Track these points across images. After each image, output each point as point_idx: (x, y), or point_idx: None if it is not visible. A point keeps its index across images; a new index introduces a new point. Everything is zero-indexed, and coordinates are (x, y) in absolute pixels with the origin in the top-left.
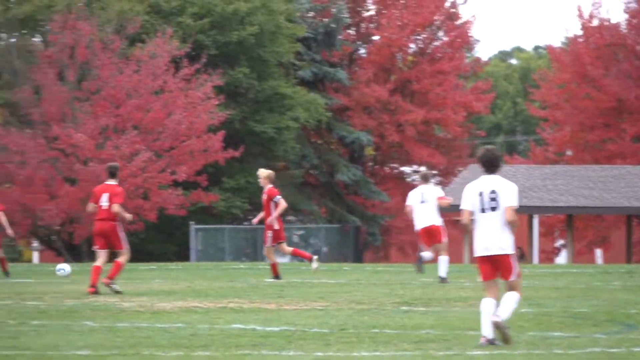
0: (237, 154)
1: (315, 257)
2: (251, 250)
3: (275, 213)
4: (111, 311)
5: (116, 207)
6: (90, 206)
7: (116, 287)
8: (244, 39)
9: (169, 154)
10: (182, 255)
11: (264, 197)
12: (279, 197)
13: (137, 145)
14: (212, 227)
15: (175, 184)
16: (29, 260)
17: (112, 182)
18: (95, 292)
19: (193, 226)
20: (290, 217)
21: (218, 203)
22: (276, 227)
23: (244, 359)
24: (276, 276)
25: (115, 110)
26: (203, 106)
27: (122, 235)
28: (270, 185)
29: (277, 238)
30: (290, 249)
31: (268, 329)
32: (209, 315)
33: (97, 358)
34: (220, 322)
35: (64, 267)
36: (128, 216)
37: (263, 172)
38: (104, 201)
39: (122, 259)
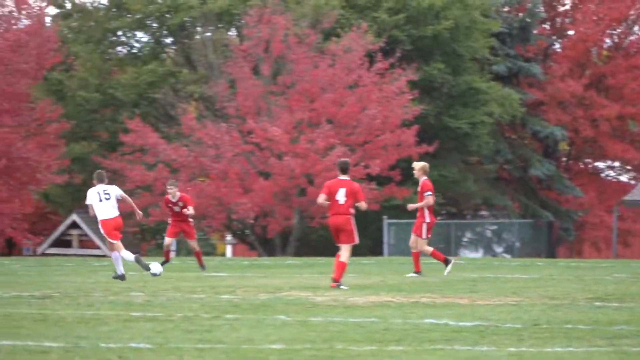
0: (430, 149)
1: (451, 260)
2: (444, 245)
3: (419, 205)
4: (304, 305)
5: (364, 205)
6: (322, 197)
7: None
8: (439, 33)
9: (362, 149)
10: (375, 249)
11: (419, 189)
12: (429, 193)
13: (331, 140)
14: (405, 222)
15: (369, 178)
16: (223, 254)
17: (345, 177)
18: (337, 287)
19: (386, 220)
20: (483, 212)
21: (412, 197)
22: (427, 220)
23: (437, 353)
24: (418, 272)
25: (310, 105)
26: (397, 101)
27: (355, 229)
28: (425, 178)
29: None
30: (429, 248)
31: (461, 324)
32: (402, 310)
33: (290, 352)
34: (413, 316)
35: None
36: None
37: (417, 164)
38: (341, 196)
39: (345, 256)
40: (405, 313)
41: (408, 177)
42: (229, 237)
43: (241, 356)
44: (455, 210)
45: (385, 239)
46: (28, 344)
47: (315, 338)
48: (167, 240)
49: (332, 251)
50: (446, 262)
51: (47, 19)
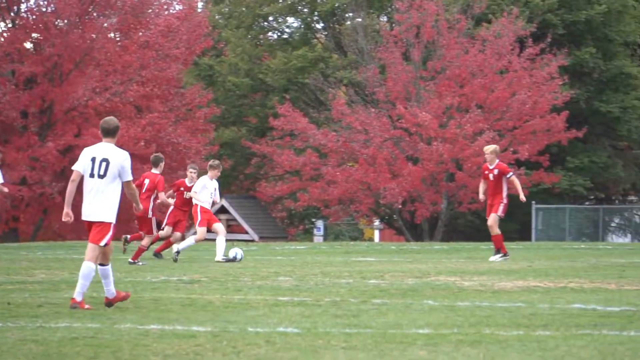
0: (580, 134)
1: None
2: (592, 230)
3: (520, 189)
4: (452, 290)
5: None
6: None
7: None
8: (592, 18)
9: (511, 134)
10: (524, 234)
11: (495, 172)
12: (511, 173)
13: (480, 124)
14: (554, 207)
15: (518, 163)
16: (371, 239)
17: None
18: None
19: (534, 205)
20: (632, 197)
21: (561, 182)
22: (506, 201)
23: (584, 338)
24: (500, 251)
25: (460, 90)
26: (547, 86)
27: None
28: (498, 160)
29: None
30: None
31: (608, 308)
32: (549, 295)
33: (437, 336)
34: (561, 301)
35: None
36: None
37: (489, 147)
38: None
39: None
40: (552, 298)
41: (557, 162)
42: (376, 222)
43: (388, 341)
44: (603, 195)
45: (534, 224)
46: (176, 328)
47: (462, 323)
48: (168, 230)
49: (480, 237)
50: (499, 252)
51: (199, 5)
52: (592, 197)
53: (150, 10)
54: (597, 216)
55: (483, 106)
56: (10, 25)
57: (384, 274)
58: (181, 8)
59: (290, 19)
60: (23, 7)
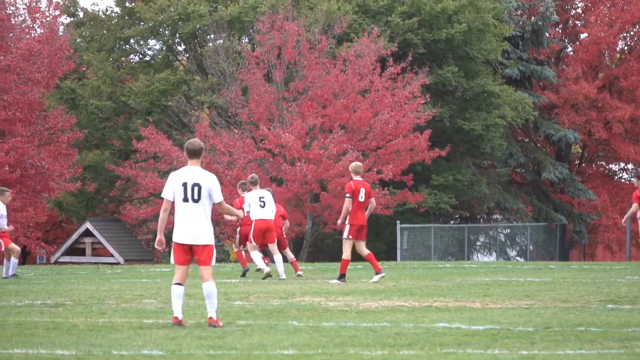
0: (443, 153)
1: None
2: (458, 249)
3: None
4: (317, 311)
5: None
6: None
7: None
8: (452, 37)
9: (375, 154)
10: (390, 254)
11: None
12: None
13: (344, 145)
14: (419, 226)
15: (382, 183)
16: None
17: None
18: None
19: (399, 225)
20: (496, 216)
21: (426, 200)
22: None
23: (449, 357)
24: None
25: (322, 111)
26: (409, 105)
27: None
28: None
29: None
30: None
31: (473, 327)
32: (414, 314)
33: (302, 357)
34: (426, 320)
35: None
36: None
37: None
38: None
39: None
40: (417, 317)
41: (421, 181)
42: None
43: None
44: (468, 214)
45: (399, 243)
46: (41, 352)
47: (327, 343)
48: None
49: None
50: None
51: (60, 28)
52: (457, 216)
53: (11, 35)
54: (463, 235)
55: (346, 126)
56: None
57: (249, 295)
58: (42, 32)
59: (151, 42)
60: None
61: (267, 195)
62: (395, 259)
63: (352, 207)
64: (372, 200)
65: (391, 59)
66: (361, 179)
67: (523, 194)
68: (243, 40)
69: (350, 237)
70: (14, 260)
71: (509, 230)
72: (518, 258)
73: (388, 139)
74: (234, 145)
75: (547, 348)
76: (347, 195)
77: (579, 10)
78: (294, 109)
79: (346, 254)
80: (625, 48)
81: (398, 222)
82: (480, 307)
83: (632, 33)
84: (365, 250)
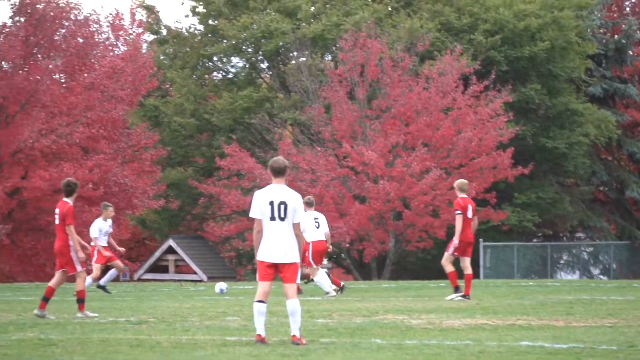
0: (526, 171)
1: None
2: (541, 267)
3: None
4: (400, 329)
5: None
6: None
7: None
8: (535, 54)
9: (458, 171)
10: (473, 272)
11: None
12: (458, 211)
13: (427, 163)
14: (502, 244)
15: None
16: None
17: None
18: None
19: (482, 243)
20: (579, 234)
21: (509, 218)
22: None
23: None
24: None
25: (405, 128)
26: (492, 123)
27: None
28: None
29: None
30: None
31: (556, 346)
32: (497, 333)
33: None
34: (509, 339)
35: (222, 286)
36: None
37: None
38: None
39: None
40: (500, 335)
41: (504, 199)
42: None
43: None
44: (551, 232)
45: (482, 261)
46: None
47: None
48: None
49: (429, 275)
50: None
51: (144, 46)
52: (539, 234)
53: (95, 52)
54: (545, 253)
55: (429, 144)
56: None
57: (332, 312)
58: (126, 49)
59: (234, 59)
60: None
61: (321, 217)
62: (478, 277)
63: (461, 224)
64: (476, 218)
65: (474, 76)
66: (466, 195)
67: (606, 212)
68: (326, 58)
69: (456, 254)
70: (112, 272)
71: (592, 249)
72: (601, 276)
73: (471, 157)
74: (317, 163)
75: None
76: (458, 212)
77: None
78: (376, 127)
79: (448, 268)
80: None
81: (481, 240)
82: (564, 326)
83: None
84: (468, 269)
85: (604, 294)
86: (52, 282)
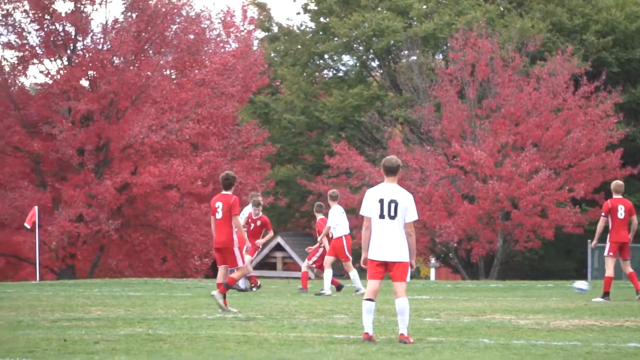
0: (635, 171)
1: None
2: None
3: None
4: (507, 329)
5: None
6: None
7: None
8: None
9: (567, 172)
10: (581, 273)
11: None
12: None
13: (536, 163)
14: None
15: (574, 202)
16: (427, 277)
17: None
18: None
19: (590, 243)
20: None
21: None
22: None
23: None
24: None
25: (515, 128)
26: (602, 124)
27: None
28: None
29: None
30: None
31: None
32: (605, 334)
33: None
34: (617, 340)
35: (582, 286)
36: None
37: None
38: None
39: None
40: (608, 337)
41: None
42: (432, 260)
43: None
44: None
45: (590, 262)
46: None
47: None
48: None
49: (536, 275)
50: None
51: (255, 43)
52: None
53: (206, 48)
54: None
55: (538, 144)
56: (66, 63)
57: (440, 312)
58: (237, 46)
59: (345, 57)
60: (79, 45)
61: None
62: (585, 278)
63: (613, 225)
64: (634, 218)
65: (584, 77)
66: (621, 196)
67: None
68: (437, 57)
69: (611, 254)
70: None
71: None
72: None
73: (580, 157)
74: (426, 162)
75: None
76: (602, 214)
77: None
78: (486, 126)
79: (608, 271)
80: None
81: (589, 240)
82: None
83: None
84: (628, 269)
85: None
86: (219, 279)
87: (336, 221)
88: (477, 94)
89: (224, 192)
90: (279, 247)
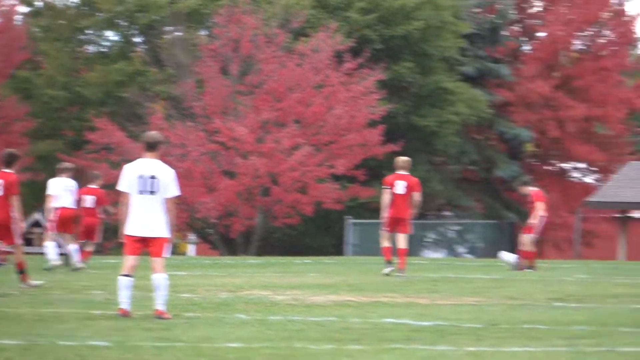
0: (397, 148)
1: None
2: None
3: None
4: (264, 304)
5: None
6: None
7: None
8: (409, 33)
9: (328, 148)
10: (340, 249)
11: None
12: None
13: (297, 139)
14: (368, 222)
15: (335, 178)
16: (184, 253)
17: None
18: None
19: (349, 220)
20: (447, 213)
21: (377, 196)
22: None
23: (395, 352)
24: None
25: (277, 104)
26: (364, 100)
27: None
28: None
29: None
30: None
31: (420, 323)
32: (362, 309)
33: (248, 350)
34: (373, 316)
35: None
36: None
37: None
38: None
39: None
40: (365, 312)
41: (375, 177)
42: (191, 236)
43: (199, 354)
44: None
45: (349, 238)
46: None
47: (273, 337)
48: None
49: (294, 251)
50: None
51: (17, 17)
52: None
53: None
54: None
55: (300, 121)
56: None
57: (197, 287)
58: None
59: (109, 33)
60: None
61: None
62: (342, 253)
63: (392, 200)
64: (415, 194)
65: (348, 54)
66: (405, 172)
67: (475, 192)
68: (201, 33)
69: (387, 229)
70: None
71: (459, 228)
72: (468, 255)
73: (341, 134)
74: (187, 138)
75: (494, 345)
76: (384, 187)
77: (538, 9)
78: (248, 103)
79: (383, 244)
80: (582, 48)
81: (348, 217)
82: (428, 304)
83: (588, 33)
84: (401, 244)
85: (469, 272)
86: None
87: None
88: (240, 70)
89: (4, 169)
90: (37, 224)
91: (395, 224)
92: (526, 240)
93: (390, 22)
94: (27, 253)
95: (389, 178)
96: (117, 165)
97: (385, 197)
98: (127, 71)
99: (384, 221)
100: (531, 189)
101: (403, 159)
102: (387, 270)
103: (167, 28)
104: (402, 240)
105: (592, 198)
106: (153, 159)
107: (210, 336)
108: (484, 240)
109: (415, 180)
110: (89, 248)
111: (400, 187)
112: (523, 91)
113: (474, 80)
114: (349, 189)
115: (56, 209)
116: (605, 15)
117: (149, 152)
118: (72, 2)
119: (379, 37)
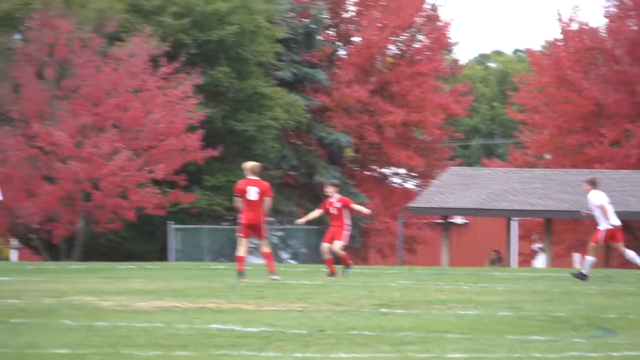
0: (215, 153)
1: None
2: (230, 250)
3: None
4: (89, 310)
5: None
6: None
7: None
8: (224, 38)
9: (147, 153)
10: (164, 254)
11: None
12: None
13: (116, 144)
14: (191, 227)
15: (155, 183)
16: (7, 259)
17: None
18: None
19: (171, 226)
20: (269, 218)
21: (199, 201)
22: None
23: (223, 359)
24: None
25: (94, 109)
26: (182, 105)
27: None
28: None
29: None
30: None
31: (247, 329)
32: (187, 315)
33: (75, 357)
34: (199, 322)
35: None
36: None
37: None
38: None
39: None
40: (190, 318)
41: (195, 182)
42: (13, 242)
43: None
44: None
45: (171, 244)
46: None
47: (100, 343)
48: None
49: (118, 256)
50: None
51: None
52: (230, 217)
53: None
54: (234, 237)
55: (119, 125)
56: None
57: (21, 293)
58: None
59: None
60: None
61: None
62: (167, 259)
63: (245, 206)
64: (266, 199)
65: (164, 58)
66: (255, 177)
67: (296, 197)
68: (15, 37)
69: (242, 235)
70: None
71: (282, 233)
72: (291, 261)
73: (160, 139)
74: (5, 142)
75: (321, 351)
76: (235, 194)
77: (352, 14)
78: (66, 107)
79: (238, 250)
80: (397, 53)
81: (170, 222)
82: (254, 309)
83: (403, 38)
84: (263, 248)
85: (294, 278)
86: None
87: None
88: (56, 74)
89: None
90: None
91: (252, 230)
92: (338, 246)
93: (204, 26)
94: None
95: (240, 184)
96: None
97: (238, 205)
98: None
99: (239, 227)
100: (338, 195)
101: (253, 163)
102: (242, 280)
103: None
104: (264, 245)
105: (413, 204)
106: None
107: (37, 342)
108: (307, 246)
109: (266, 185)
110: None
111: (252, 193)
112: (340, 96)
113: (291, 85)
114: (170, 195)
115: None
116: (420, 20)
117: None
118: None
119: (193, 41)
